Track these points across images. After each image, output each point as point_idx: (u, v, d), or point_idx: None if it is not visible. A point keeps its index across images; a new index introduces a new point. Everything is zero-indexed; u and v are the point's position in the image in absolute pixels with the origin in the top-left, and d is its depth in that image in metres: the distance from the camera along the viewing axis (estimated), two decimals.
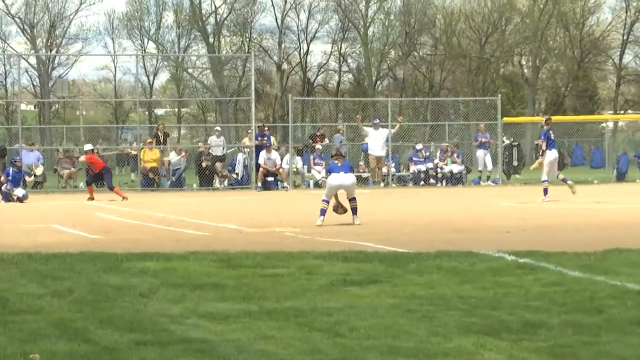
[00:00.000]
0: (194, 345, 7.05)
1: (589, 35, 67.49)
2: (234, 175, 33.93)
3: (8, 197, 26.52)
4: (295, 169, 33.97)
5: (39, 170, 32.50)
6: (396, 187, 33.73)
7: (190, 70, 69.72)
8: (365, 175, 34.34)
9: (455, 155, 35.15)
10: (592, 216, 19.19)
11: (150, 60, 69.14)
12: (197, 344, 7.10)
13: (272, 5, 67.98)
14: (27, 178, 30.85)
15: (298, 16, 69.04)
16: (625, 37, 66.34)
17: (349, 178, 17.69)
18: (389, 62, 69.73)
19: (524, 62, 70.30)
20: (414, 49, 68.38)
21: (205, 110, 72.34)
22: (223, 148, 34.84)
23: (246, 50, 63.88)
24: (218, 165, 33.86)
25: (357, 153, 36.50)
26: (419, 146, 35.34)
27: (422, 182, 34.32)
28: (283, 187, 32.25)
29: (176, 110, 73.27)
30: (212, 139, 34.86)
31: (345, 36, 69.12)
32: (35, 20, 65.80)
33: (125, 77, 72.31)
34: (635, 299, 8.73)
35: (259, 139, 33.13)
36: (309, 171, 33.91)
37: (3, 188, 27.00)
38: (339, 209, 17.59)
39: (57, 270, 10.88)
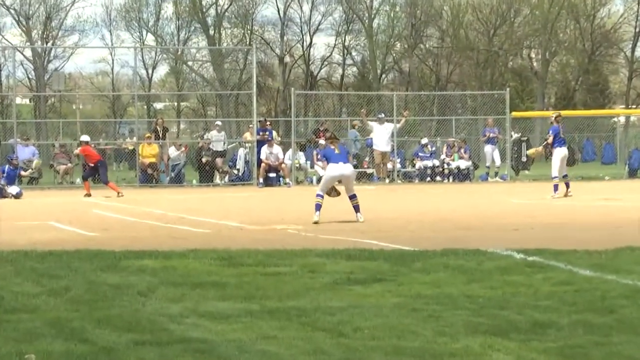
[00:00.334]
0: (194, 345, 7.06)
1: (600, 28, 67.40)
2: (235, 171, 33.96)
3: (2, 193, 26.55)
4: (297, 165, 33.98)
5: (35, 165, 32.61)
6: (402, 184, 33.74)
7: (190, 63, 69.70)
8: (370, 171, 34.37)
9: (462, 150, 35.15)
10: (603, 214, 19.19)
11: (149, 52, 69.17)
12: (197, 344, 7.10)
13: None
14: (22, 173, 30.88)
15: (301, 7, 69.09)
16: (637, 30, 66.23)
17: (348, 168, 17.56)
18: (394, 54, 69.68)
19: (533, 55, 70.24)
20: (420, 42, 68.31)
21: (205, 104, 72.36)
22: (224, 143, 34.86)
23: (247, 43, 63.86)
24: (218, 160, 33.88)
25: (361, 149, 36.46)
26: (425, 141, 35.34)
27: (428, 178, 34.33)
28: (285, 184, 32.28)
29: (175, 104, 73.28)
30: (213, 134, 34.87)
31: (350, 28, 69.08)
32: (30, 12, 65.84)
33: (123, 70, 72.45)
34: None
35: (261, 133, 33.12)
36: (312, 167, 33.92)
37: None
38: (332, 192, 17.48)
39: (54, 268, 10.90)
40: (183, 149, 34.46)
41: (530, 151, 25.29)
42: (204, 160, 33.50)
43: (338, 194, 17.44)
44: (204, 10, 67.48)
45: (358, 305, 8.54)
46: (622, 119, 51.99)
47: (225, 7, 67.78)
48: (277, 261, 11.29)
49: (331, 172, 17.45)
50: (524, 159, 36.97)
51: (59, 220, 18.18)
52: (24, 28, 65.95)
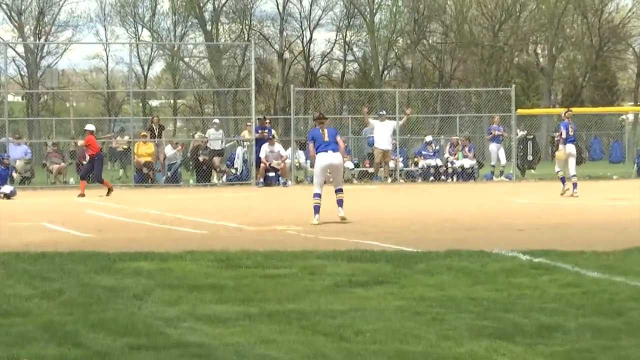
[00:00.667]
0: (191, 349, 7.05)
1: (608, 23, 67.43)
2: (233, 170, 33.96)
3: None
4: (297, 164, 33.97)
5: (19, 167, 32.67)
6: (404, 183, 33.75)
7: (186, 60, 69.77)
8: (371, 170, 34.37)
9: (466, 149, 35.16)
10: (611, 214, 19.18)
11: (145, 48, 69.23)
12: (194, 348, 7.10)
13: None
14: (14, 174, 30.90)
15: (300, 2, 69.19)
16: None
17: (337, 157, 17.34)
18: (396, 50, 69.72)
19: (539, 51, 70.28)
20: (423, 37, 68.35)
21: (202, 101, 72.45)
22: (221, 141, 34.86)
23: (246, 39, 63.94)
24: (216, 159, 33.89)
25: (362, 147, 36.49)
26: (429, 138, 35.34)
27: (431, 178, 34.34)
28: (282, 183, 32.23)
29: (172, 101, 73.37)
30: (210, 132, 34.88)
31: (351, 23, 69.16)
32: (22, 7, 65.91)
33: (118, 67, 72.52)
34: None
35: (260, 131, 33.13)
36: (311, 166, 33.87)
37: None
38: None
39: (46, 270, 10.89)
40: (179, 147, 34.48)
41: (558, 154, 25.34)
42: (201, 159, 33.50)
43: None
44: (201, 5, 67.54)
45: (359, 308, 8.53)
46: (631, 117, 52.06)
47: (223, 1, 67.87)
48: (276, 263, 11.28)
49: (320, 162, 17.34)
50: (529, 157, 37.00)
51: (52, 221, 18.17)
52: (16, 23, 65.99)
